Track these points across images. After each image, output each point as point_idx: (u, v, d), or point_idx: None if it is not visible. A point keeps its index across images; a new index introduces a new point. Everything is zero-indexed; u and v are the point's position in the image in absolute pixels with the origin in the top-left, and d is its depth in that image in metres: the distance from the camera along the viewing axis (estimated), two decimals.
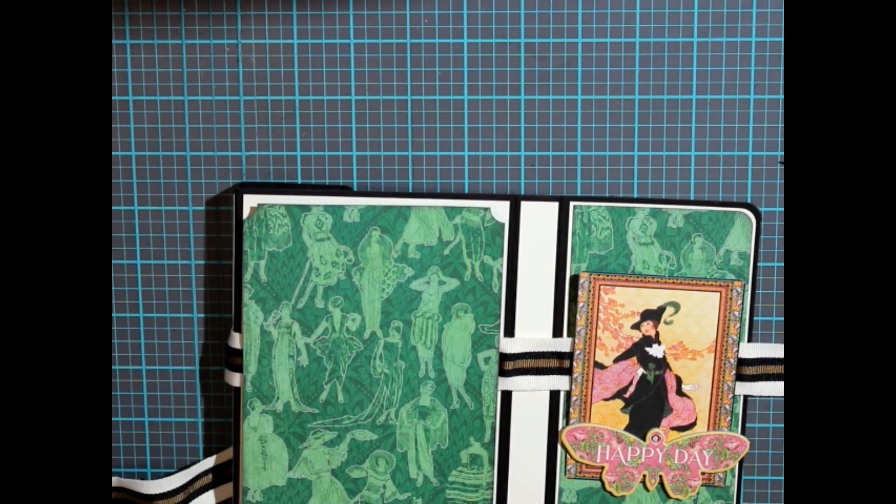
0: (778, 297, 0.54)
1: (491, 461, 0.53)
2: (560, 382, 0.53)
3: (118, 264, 0.54)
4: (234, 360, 0.53)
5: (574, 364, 0.52)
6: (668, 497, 0.53)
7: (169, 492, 0.54)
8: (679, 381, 0.53)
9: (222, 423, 0.56)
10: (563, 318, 0.53)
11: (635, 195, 0.53)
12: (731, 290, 0.52)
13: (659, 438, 0.53)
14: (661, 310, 0.52)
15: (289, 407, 0.53)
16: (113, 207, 0.54)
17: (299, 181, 0.54)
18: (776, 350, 0.53)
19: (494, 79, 0.53)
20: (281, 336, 0.52)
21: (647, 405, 0.53)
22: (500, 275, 0.52)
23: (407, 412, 0.53)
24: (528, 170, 0.53)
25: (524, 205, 0.52)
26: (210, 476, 0.55)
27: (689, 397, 0.53)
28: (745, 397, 0.53)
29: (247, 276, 0.51)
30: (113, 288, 0.55)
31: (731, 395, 0.53)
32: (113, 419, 0.56)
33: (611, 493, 0.54)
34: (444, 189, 0.54)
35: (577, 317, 0.52)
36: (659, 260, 0.52)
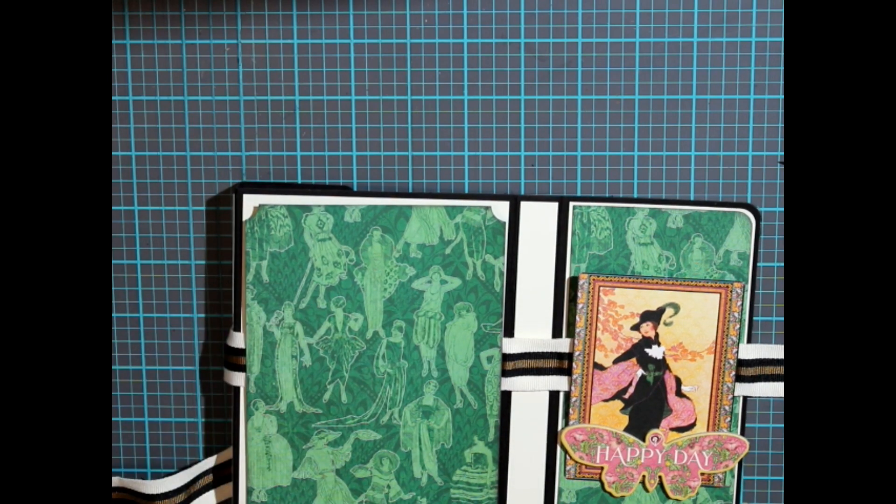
0: (778, 298, 0.54)
1: (495, 460, 0.53)
2: (559, 383, 0.53)
3: (118, 264, 0.54)
4: (234, 359, 0.53)
5: (574, 365, 0.52)
6: (668, 497, 0.53)
7: (170, 492, 0.53)
8: (678, 382, 0.53)
9: (222, 423, 0.56)
10: (562, 318, 0.53)
11: (635, 195, 0.53)
12: (731, 292, 0.52)
13: (658, 439, 0.53)
14: (661, 311, 0.52)
15: (292, 407, 0.53)
16: (113, 207, 0.54)
17: (299, 181, 0.54)
18: (776, 351, 0.53)
19: (494, 79, 0.53)
20: (284, 336, 0.52)
21: (647, 406, 0.53)
22: (501, 273, 0.52)
23: (410, 412, 0.53)
24: (528, 170, 0.53)
25: (524, 205, 0.52)
26: (211, 476, 0.55)
27: (688, 398, 0.53)
28: (745, 398, 0.53)
29: (249, 277, 0.51)
30: (113, 288, 0.54)
31: (730, 396, 0.53)
32: (113, 419, 0.56)
33: (610, 494, 0.54)
34: (444, 189, 0.54)
35: (577, 318, 0.52)
36: (658, 260, 0.52)
